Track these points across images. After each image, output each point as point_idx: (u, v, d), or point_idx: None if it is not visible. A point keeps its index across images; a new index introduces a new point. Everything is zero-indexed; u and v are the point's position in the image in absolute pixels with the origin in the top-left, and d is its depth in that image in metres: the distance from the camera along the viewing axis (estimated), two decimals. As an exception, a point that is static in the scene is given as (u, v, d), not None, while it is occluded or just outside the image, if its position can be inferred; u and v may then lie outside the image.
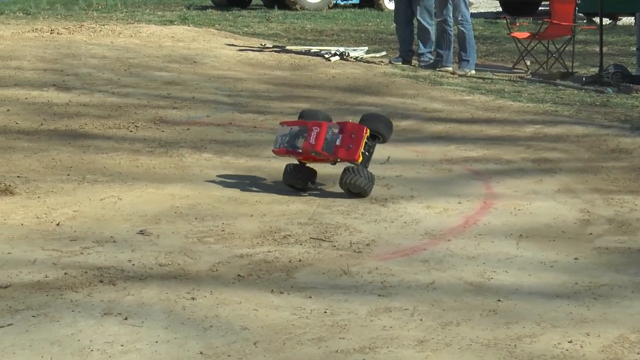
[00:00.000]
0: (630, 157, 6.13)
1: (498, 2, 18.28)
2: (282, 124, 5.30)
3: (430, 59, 10.30)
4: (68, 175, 5.41)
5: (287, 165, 5.17)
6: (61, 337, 3.28)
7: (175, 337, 3.30)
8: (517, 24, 12.47)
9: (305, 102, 7.77)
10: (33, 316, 3.44)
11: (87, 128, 6.64)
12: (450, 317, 3.50)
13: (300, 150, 5.08)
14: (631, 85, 8.76)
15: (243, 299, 3.64)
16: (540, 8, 17.67)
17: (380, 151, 5.40)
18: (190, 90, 8.25)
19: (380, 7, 17.76)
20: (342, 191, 5.12)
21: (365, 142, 5.06)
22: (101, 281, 3.79)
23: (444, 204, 5.01)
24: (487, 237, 4.47)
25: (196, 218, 4.68)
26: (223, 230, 4.50)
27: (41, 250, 4.15)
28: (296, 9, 17.03)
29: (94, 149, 6.02)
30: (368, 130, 5.08)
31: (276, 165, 5.62)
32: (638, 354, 3.21)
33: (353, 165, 5.04)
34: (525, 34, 10.55)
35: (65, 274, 3.86)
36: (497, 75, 9.84)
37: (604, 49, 9.77)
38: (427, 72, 9.83)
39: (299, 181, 5.14)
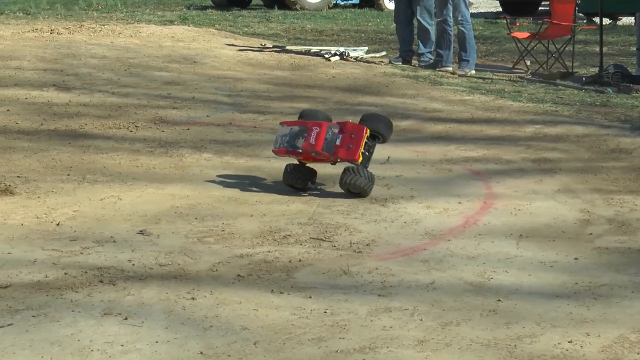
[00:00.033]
0: (630, 157, 6.13)
1: (498, 2, 18.28)
2: (282, 124, 5.30)
3: (430, 59, 10.29)
4: (68, 175, 5.41)
5: (287, 165, 5.17)
6: (61, 337, 3.28)
7: (175, 337, 3.30)
8: (517, 24, 12.47)
9: (305, 102, 7.77)
10: (33, 316, 3.44)
11: (87, 128, 6.64)
12: (450, 317, 3.50)
13: (300, 150, 5.08)
14: (631, 85, 8.76)
15: (243, 299, 3.64)
16: (540, 8, 17.67)
17: (380, 151, 5.40)
18: (190, 90, 8.25)
19: (380, 7, 17.76)
20: (342, 191, 5.12)
21: (365, 142, 5.06)
22: (101, 281, 3.79)
23: (444, 204, 5.00)
24: (487, 237, 4.47)
25: (196, 218, 4.68)
26: (223, 230, 4.50)
27: (41, 250, 4.15)
28: (296, 9, 17.03)
29: (94, 149, 6.02)
30: (368, 130, 5.08)
31: (276, 165, 5.62)
32: (638, 354, 3.21)
33: (353, 165, 5.04)
34: (525, 34, 10.55)
35: (65, 274, 3.86)
36: (497, 75, 9.84)
37: (604, 49, 9.77)
38: (427, 72, 9.83)
39: (299, 181, 5.14)
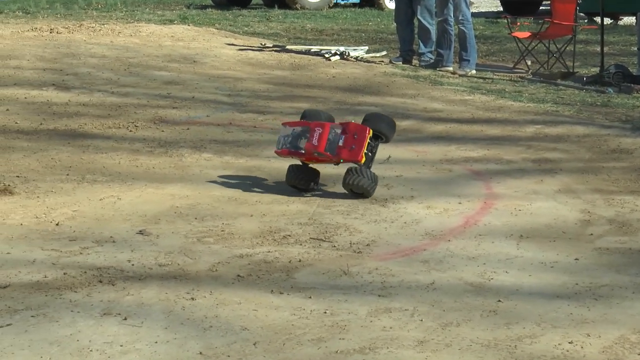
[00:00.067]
0: (631, 157, 6.12)
1: (499, 1, 18.27)
2: (284, 124, 5.28)
3: (431, 58, 10.29)
4: (67, 175, 5.41)
5: (290, 166, 5.16)
6: (60, 337, 3.27)
7: (175, 337, 3.29)
8: (518, 24, 12.46)
9: (306, 102, 7.76)
10: (32, 316, 3.43)
11: (87, 128, 6.63)
12: (450, 318, 3.49)
13: (303, 151, 5.07)
14: (632, 85, 8.75)
15: (243, 299, 3.63)
16: (541, 7, 17.66)
17: (381, 151, 5.39)
18: (190, 90, 8.25)
19: (380, 7, 17.76)
20: (342, 191, 5.11)
21: (368, 143, 5.05)
22: (100, 281, 3.78)
23: (444, 204, 5.00)
24: (487, 237, 4.46)
25: (196, 218, 4.67)
26: (223, 231, 4.49)
27: (40, 250, 4.15)
28: (296, 9, 17.03)
29: (94, 149, 6.02)
30: (371, 131, 5.06)
31: (276, 165, 5.62)
32: (639, 354, 3.21)
33: (356, 166, 5.03)
34: (526, 34, 10.55)
35: (64, 274, 3.85)
36: (498, 75, 9.84)
37: (605, 49, 9.76)
38: (427, 72, 9.82)
39: (301, 182, 5.13)
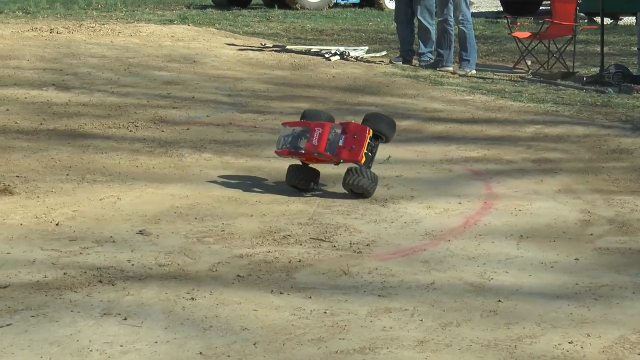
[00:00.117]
0: (631, 157, 6.12)
1: (499, 1, 18.27)
2: (284, 124, 5.28)
3: (431, 58, 10.28)
4: (67, 175, 5.40)
5: (290, 166, 5.16)
6: (60, 337, 3.27)
7: (175, 337, 3.29)
8: (518, 24, 12.46)
9: (305, 102, 7.76)
10: (32, 316, 3.43)
11: (87, 128, 6.63)
12: (450, 318, 3.49)
13: (303, 151, 5.07)
14: (632, 85, 8.75)
15: (243, 299, 3.63)
16: (541, 7, 17.66)
17: (381, 150, 5.38)
18: (190, 90, 8.24)
19: (380, 7, 17.75)
20: (342, 191, 5.11)
21: (368, 143, 5.04)
22: (100, 281, 3.78)
23: (444, 204, 5.00)
24: (487, 237, 4.46)
25: (196, 218, 4.67)
26: (223, 231, 4.49)
27: (40, 250, 4.14)
28: (296, 9, 17.02)
29: (94, 149, 6.01)
30: (371, 131, 5.06)
31: (276, 165, 5.62)
32: (639, 354, 3.21)
33: (356, 166, 5.02)
34: (526, 34, 10.55)
35: (64, 274, 3.85)
36: (498, 75, 9.83)
37: (605, 49, 9.77)
38: (427, 72, 9.82)
39: (302, 182, 5.13)
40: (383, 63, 10.42)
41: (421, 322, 3.45)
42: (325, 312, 3.52)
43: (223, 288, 3.74)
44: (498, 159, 6.09)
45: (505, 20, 11.52)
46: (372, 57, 10.82)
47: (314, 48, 11.02)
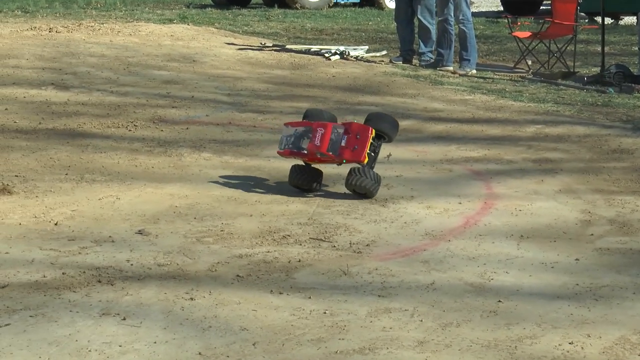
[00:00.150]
0: (632, 157, 6.11)
1: (499, 1, 18.26)
2: (286, 124, 5.26)
3: (431, 58, 10.27)
4: (66, 174, 5.39)
5: (292, 166, 5.14)
6: (59, 337, 3.26)
7: (174, 337, 3.28)
8: (519, 23, 12.45)
9: (305, 101, 7.75)
10: (31, 316, 3.42)
11: (86, 127, 6.62)
12: (450, 318, 3.48)
13: (306, 152, 5.05)
14: (633, 85, 8.75)
15: (242, 299, 3.62)
16: (541, 7, 17.65)
17: (381, 149, 5.37)
18: (189, 90, 8.23)
19: (380, 6, 17.75)
20: (342, 191, 5.10)
21: (371, 143, 5.03)
22: (99, 281, 3.77)
23: (445, 204, 4.99)
24: (487, 237, 4.45)
25: (195, 218, 4.66)
26: (222, 230, 4.48)
27: (39, 249, 4.13)
28: (296, 8, 17.01)
29: (93, 148, 6.00)
30: (373, 131, 5.05)
31: (276, 165, 5.61)
32: (639, 355, 3.20)
33: (359, 166, 5.01)
34: (527, 34, 10.53)
35: (63, 273, 3.84)
36: (498, 75, 9.82)
37: (606, 49, 9.76)
38: (427, 72, 9.81)
39: (305, 182, 5.11)
40: (383, 63, 10.40)
41: (421, 322, 3.44)
42: (324, 313, 3.51)
43: (222, 288, 3.73)
44: (498, 159, 6.08)
45: (506, 20, 11.50)
46: (372, 56, 10.81)
47: (314, 47, 11.01)
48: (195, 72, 9.16)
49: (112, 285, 3.74)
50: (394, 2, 11.23)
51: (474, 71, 9.90)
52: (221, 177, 5.46)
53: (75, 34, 11.21)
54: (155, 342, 3.23)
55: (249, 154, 6.05)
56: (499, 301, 3.65)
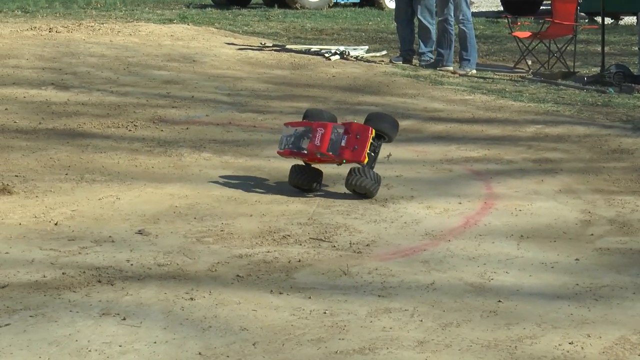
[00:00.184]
0: (632, 157, 6.11)
1: (499, 1, 18.26)
2: (286, 124, 5.26)
3: (431, 58, 10.27)
4: (66, 174, 5.39)
5: (292, 166, 5.14)
6: (59, 337, 3.26)
7: (174, 337, 3.28)
8: (519, 23, 12.44)
9: (305, 101, 7.75)
10: (31, 316, 3.42)
11: (86, 127, 6.61)
12: (450, 318, 3.48)
13: (306, 152, 5.05)
14: (633, 85, 8.74)
15: (242, 299, 3.62)
16: (541, 7, 17.65)
17: (381, 149, 5.37)
18: (189, 90, 8.23)
19: (380, 6, 17.74)
20: (342, 191, 5.10)
21: (371, 143, 5.03)
22: (99, 281, 3.77)
23: (445, 204, 4.98)
24: (487, 237, 4.45)
25: (195, 218, 4.66)
26: (222, 230, 4.47)
27: (39, 249, 4.13)
28: (296, 8, 17.01)
29: (93, 148, 6.00)
30: (373, 131, 5.04)
31: (276, 165, 5.61)
32: (639, 355, 3.20)
33: (359, 166, 5.01)
34: (527, 34, 10.53)
35: (63, 273, 3.84)
36: (498, 75, 9.82)
37: (606, 49, 9.76)
38: (427, 72, 9.81)
39: (305, 182, 5.11)
40: (383, 63, 10.40)
41: (421, 322, 3.44)
42: (324, 313, 3.51)
43: (222, 288, 3.73)
44: (498, 159, 6.08)
45: (506, 20, 11.50)
46: (372, 56, 10.81)
47: (314, 47, 11.01)
48: (195, 72, 9.16)
49: (112, 285, 3.73)
50: (394, 2, 11.23)
51: (474, 71, 9.90)
52: (221, 177, 5.46)
53: (75, 34, 11.21)
54: (155, 342, 3.23)
55: (249, 154, 6.05)
56: (499, 301, 3.65)
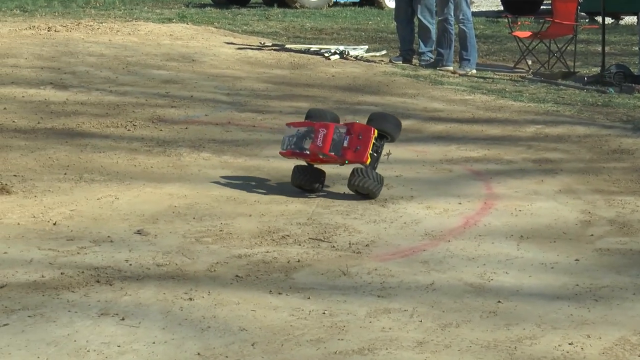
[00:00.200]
0: (632, 157, 6.10)
1: (499, 0, 18.25)
2: (288, 125, 5.25)
3: (431, 58, 10.26)
4: (65, 174, 5.38)
5: (295, 167, 5.13)
6: (57, 337, 3.25)
7: (173, 337, 3.27)
8: (519, 23, 12.44)
9: (305, 101, 7.74)
10: (29, 316, 3.41)
11: (85, 127, 6.61)
12: (449, 319, 3.47)
13: (308, 152, 5.04)
14: (633, 85, 8.73)
15: (241, 299, 3.61)
16: (542, 7, 17.65)
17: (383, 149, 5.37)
18: (188, 89, 8.22)
19: (380, 6, 17.73)
20: (342, 191, 5.09)
21: (373, 143, 5.01)
22: (98, 281, 3.76)
23: (444, 204, 4.98)
24: (487, 238, 4.44)
25: (194, 218, 4.65)
26: (221, 230, 4.47)
27: (37, 249, 4.12)
28: (296, 7, 17.00)
29: (92, 148, 5.99)
30: (376, 131, 5.03)
31: (275, 165, 5.60)
32: (639, 356, 3.19)
33: (361, 166, 5.00)
34: (527, 33, 10.52)
35: (61, 273, 3.83)
36: (498, 75, 9.81)
37: (606, 49, 9.75)
38: (427, 72, 9.80)
39: (307, 182, 5.10)
40: (383, 62, 10.39)
41: (420, 322, 3.43)
42: (324, 313, 3.50)
43: (221, 288, 3.72)
44: (498, 159, 6.07)
45: (506, 20, 11.49)
46: (371, 56, 10.79)
47: (314, 47, 11.00)
48: (195, 71, 9.15)
49: (110, 285, 3.73)
50: (394, 2, 11.22)
51: (474, 71, 9.89)
52: (220, 177, 5.45)
53: (74, 33, 11.20)
54: (154, 343, 3.22)
55: (248, 154, 6.04)
56: (499, 302, 3.64)
